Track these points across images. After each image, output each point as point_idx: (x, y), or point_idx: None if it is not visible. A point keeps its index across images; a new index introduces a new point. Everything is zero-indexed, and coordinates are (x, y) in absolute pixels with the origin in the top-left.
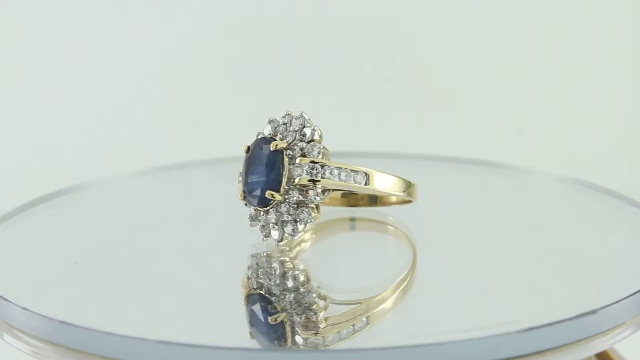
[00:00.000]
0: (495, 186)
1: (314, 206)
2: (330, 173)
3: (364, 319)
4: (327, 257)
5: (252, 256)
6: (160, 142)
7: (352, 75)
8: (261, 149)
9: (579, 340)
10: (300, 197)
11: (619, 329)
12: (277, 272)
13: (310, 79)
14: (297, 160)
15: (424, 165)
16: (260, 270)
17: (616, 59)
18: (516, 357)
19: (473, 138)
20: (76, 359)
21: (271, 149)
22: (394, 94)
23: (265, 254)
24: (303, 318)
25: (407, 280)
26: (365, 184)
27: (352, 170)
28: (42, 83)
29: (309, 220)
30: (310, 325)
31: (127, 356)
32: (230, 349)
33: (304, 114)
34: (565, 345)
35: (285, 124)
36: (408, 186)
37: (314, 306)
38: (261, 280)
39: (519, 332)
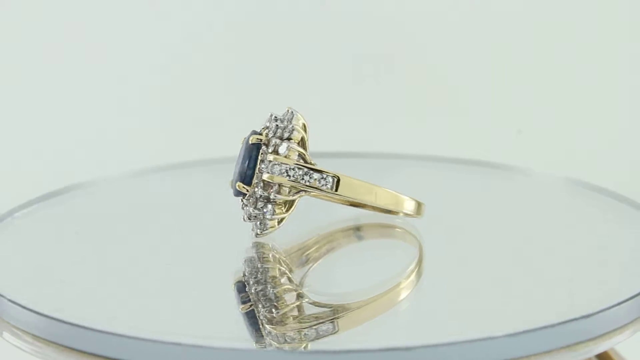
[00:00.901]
0: (495, 187)
1: (283, 203)
2: (293, 172)
3: (330, 324)
4: (328, 261)
5: (253, 246)
6: (160, 142)
7: (351, 75)
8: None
9: (579, 343)
10: (265, 193)
11: (619, 331)
12: (257, 264)
13: (310, 79)
14: (268, 157)
15: (424, 166)
16: (248, 261)
17: (616, 59)
18: (517, 358)
19: (473, 138)
20: (75, 357)
21: (249, 142)
22: (394, 94)
23: (257, 245)
24: (266, 311)
25: (400, 285)
26: (332, 189)
27: (316, 171)
28: (41, 83)
29: (268, 217)
30: (274, 319)
31: (127, 356)
32: (230, 350)
33: (293, 111)
34: (565, 347)
35: (277, 119)
36: (390, 198)
37: (280, 302)
38: (246, 271)
39: (518, 334)
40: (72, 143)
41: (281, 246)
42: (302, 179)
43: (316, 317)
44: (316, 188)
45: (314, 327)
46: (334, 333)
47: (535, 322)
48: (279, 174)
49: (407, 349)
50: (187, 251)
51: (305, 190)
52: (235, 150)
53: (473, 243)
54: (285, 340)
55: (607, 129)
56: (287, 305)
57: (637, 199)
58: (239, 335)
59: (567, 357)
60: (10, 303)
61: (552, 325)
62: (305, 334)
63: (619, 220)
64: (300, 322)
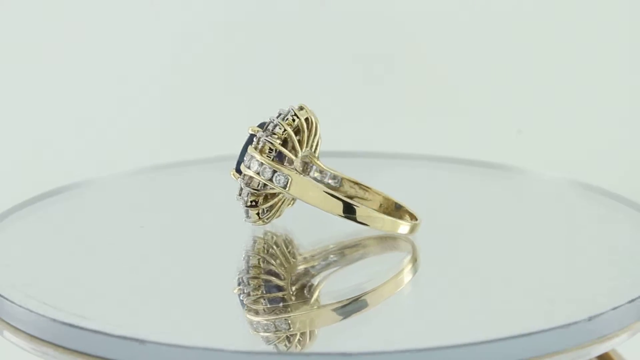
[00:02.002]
0: (495, 187)
1: (260, 196)
2: (258, 165)
3: (285, 323)
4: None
5: (263, 235)
6: (159, 141)
7: (352, 75)
8: None
9: (579, 345)
10: (242, 183)
11: (620, 333)
12: (250, 253)
13: (310, 78)
14: (248, 148)
15: (424, 166)
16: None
17: (616, 59)
18: None
19: (473, 138)
20: (75, 358)
21: (249, 131)
22: (394, 94)
23: (266, 235)
24: (244, 296)
25: (383, 288)
26: (284, 187)
27: (273, 169)
28: (41, 82)
29: (242, 205)
30: (247, 305)
31: (127, 357)
32: (231, 351)
33: (292, 108)
34: (566, 349)
35: (280, 114)
36: (345, 209)
37: (254, 290)
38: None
39: (518, 337)
40: (71, 142)
41: (305, 245)
42: (261, 172)
43: (273, 311)
44: (267, 182)
45: (273, 321)
46: (287, 331)
47: (534, 325)
48: (248, 166)
49: (371, 353)
50: (189, 251)
51: (270, 186)
52: (232, 148)
53: (472, 243)
54: (255, 328)
55: (607, 129)
56: (260, 295)
57: (637, 200)
58: (238, 336)
59: (568, 358)
60: (9, 303)
61: (552, 329)
62: (266, 325)
63: (619, 221)
64: (264, 314)
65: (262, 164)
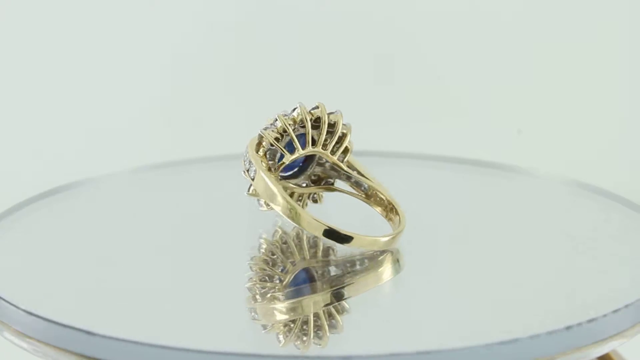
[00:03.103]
0: (495, 187)
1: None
2: (244, 158)
3: (255, 314)
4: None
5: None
6: (159, 141)
7: (352, 75)
8: None
9: (579, 347)
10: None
11: (620, 336)
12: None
13: (310, 78)
14: None
15: (424, 166)
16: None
17: (616, 59)
18: None
19: (473, 138)
20: (75, 358)
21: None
22: (394, 94)
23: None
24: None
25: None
26: (253, 179)
27: (248, 161)
28: (40, 82)
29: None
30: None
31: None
32: (232, 354)
33: (299, 105)
34: (566, 351)
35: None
36: (292, 213)
37: (251, 279)
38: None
39: (519, 339)
40: (71, 142)
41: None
42: (243, 163)
43: (267, 299)
44: (244, 175)
45: (252, 312)
46: (258, 321)
47: (535, 327)
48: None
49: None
50: (190, 251)
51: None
52: (232, 147)
53: (471, 243)
54: (251, 315)
55: (607, 129)
56: (258, 284)
57: (636, 200)
58: (241, 338)
59: None
60: (8, 305)
61: (551, 332)
62: (252, 312)
63: (619, 222)
64: (259, 302)
65: (247, 157)
